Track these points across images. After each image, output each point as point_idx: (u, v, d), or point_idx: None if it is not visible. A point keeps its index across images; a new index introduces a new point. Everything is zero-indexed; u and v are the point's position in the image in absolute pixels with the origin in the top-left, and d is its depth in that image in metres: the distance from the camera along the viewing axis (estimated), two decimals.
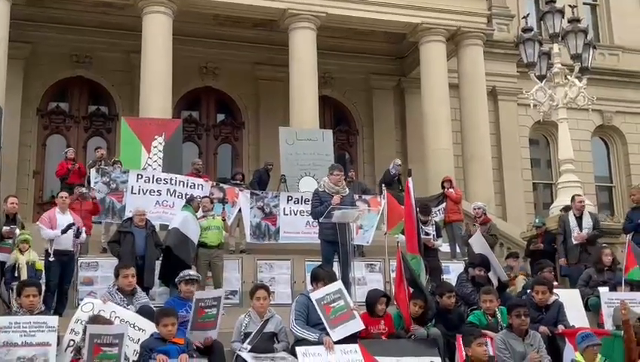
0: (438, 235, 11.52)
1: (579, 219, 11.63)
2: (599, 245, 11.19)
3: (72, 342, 6.88)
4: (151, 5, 16.81)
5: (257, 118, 20.63)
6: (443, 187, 15.16)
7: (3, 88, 15.69)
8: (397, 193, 14.30)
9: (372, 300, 7.73)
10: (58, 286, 10.07)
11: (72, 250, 10.27)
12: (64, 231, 10.08)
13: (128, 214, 12.02)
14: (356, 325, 7.34)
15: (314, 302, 7.35)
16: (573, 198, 12.24)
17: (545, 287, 8.34)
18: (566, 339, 7.71)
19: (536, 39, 14.61)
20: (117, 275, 7.97)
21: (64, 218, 10.31)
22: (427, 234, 11.01)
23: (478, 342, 6.65)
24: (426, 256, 10.48)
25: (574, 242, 11.40)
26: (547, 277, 9.41)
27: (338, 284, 7.70)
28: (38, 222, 10.28)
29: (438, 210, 14.83)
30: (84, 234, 10.53)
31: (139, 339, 6.74)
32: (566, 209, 13.34)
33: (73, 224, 10.20)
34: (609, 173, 24.14)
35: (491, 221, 12.38)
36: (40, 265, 9.69)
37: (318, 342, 7.07)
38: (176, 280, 8.19)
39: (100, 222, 13.11)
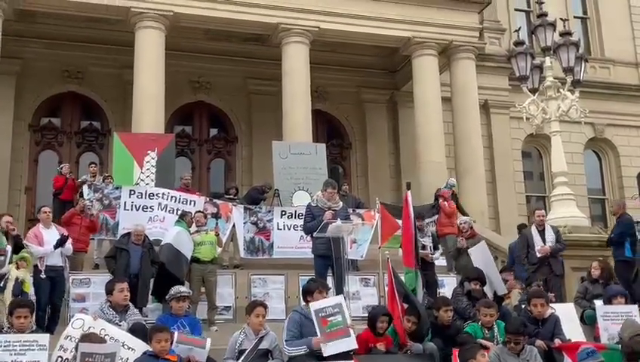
0: (435, 247, 11.50)
1: (541, 233, 11.72)
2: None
3: (59, 359, 6.78)
4: (143, 21, 16.82)
5: (250, 132, 20.60)
6: (436, 199, 15.13)
7: None
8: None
9: (373, 317, 7.66)
10: (50, 302, 9.99)
11: (61, 265, 10.18)
12: (56, 246, 10.00)
13: (122, 231, 11.94)
14: (350, 344, 7.23)
15: (312, 312, 7.26)
16: (533, 212, 12.39)
17: (543, 300, 8.34)
18: (564, 353, 7.68)
19: (528, 52, 14.66)
20: (110, 290, 7.88)
21: (49, 233, 10.23)
22: (424, 246, 11.00)
23: (482, 353, 6.65)
24: (423, 270, 10.46)
25: (538, 255, 11.47)
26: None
27: (339, 299, 7.63)
28: (25, 241, 10.15)
29: (432, 221, 14.79)
30: (69, 245, 10.43)
31: (127, 359, 6.65)
32: (521, 227, 13.58)
33: (66, 237, 10.12)
34: (602, 186, 24.19)
35: (478, 235, 12.31)
36: (28, 286, 9.56)
37: (310, 352, 6.99)
38: (166, 297, 8.11)
39: (93, 238, 13.03)
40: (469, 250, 10.99)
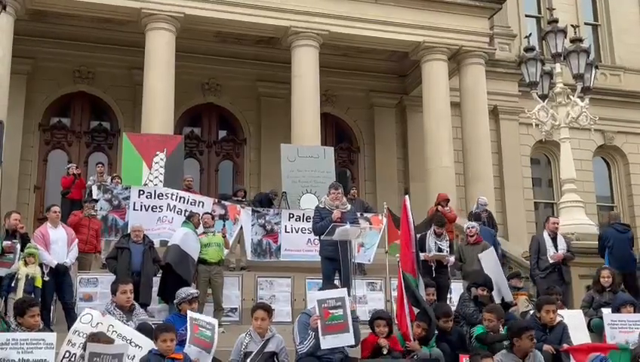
0: (451, 252, 11.46)
1: (553, 240, 11.75)
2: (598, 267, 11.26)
3: (67, 354, 6.80)
4: (154, 22, 16.87)
5: (259, 134, 20.63)
6: (439, 205, 15.06)
7: (5, 103, 15.70)
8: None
9: (370, 323, 7.72)
10: (62, 303, 10.03)
11: (66, 260, 10.18)
12: (57, 269, 10.00)
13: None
14: (348, 340, 7.19)
15: (315, 303, 7.26)
16: (547, 219, 12.42)
17: (555, 306, 8.32)
18: (571, 355, 7.65)
19: (539, 59, 14.64)
20: (114, 291, 7.90)
21: (56, 232, 10.28)
22: (440, 249, 10.98)
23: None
24: (437, 273, 10.46)
25: (550, 261, 11.51)
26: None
27: (343, 292, 7.58)
28: (32, 241, 10.20)
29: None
30: (75, 253, 10.47)
31: (134, 356, 6.65)
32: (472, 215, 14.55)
33: (66, 268, 10.16)
34: (610, 193, 24.11)
35: (483, 241, 12.25)
36: (40, 281, 9.63)
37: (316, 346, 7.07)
38: (175, 301, 8.11)
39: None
40: (479, 255, 10.93)
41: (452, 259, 11.36)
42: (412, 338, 7.80)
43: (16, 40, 16.26)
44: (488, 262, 10.19)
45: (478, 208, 15.48)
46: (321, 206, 9.92)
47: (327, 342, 7.07)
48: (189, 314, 7.28)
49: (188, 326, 7.01)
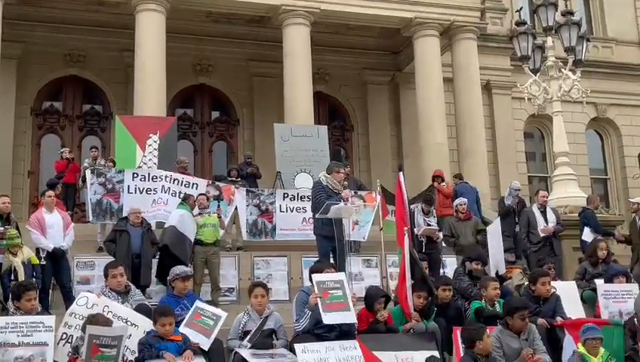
0: (439, 228, 11.56)
1: (543, 213, 11.88)
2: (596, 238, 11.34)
3: (64, 335, 6.88)
4: (144, 3, 16.73)
5: (252, 114, 20.59)
6: (433, 181, 15.10)
7: None
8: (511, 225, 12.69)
9: (371, 299, 7.72)
10: (60, 286, 10.07)
11: (63, 243, 10.20)
12: (54, 253, 10.01)
13: (126, 214, 12.01)
14: (350, 317, 7.29)
15: (314, 284, 7.32)
16: (537, 193, 12.64)
17: (549, 278, 8.44)
18: (565, 330, 7.75)
19: (530, 32, 14.66)
20: (106, 275, 7.95)
21: (52, 217, 10.25)
22: (429, 225, 11.05)
23: (487, 334, 6.73)
24: (428, 249, 10.55)
25: (542, 235, 11.66)
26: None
27: (341, 276, 7.70)
28: (27, 226, 10.18)
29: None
30: (72, 236, 10.49)
31: (131, 335, 6.70)
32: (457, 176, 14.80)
33: (63, 251, 10.15)
34: (604, 166, 24.19)
35: (473, 217, 12.26)
36: (35, 259, 9.64)
37: (315, 322, 7.14)
38: (169, 278, 8.17)
39: (88, 222, 13.11)
40: (486, 228, 11.04)
41: (441, 234, 11.50)
42: (412, 310, 7.87)
43: (5, 24, 16.16)
44: (493, 234, 10.30)
45: (510, 194, 13.35)
46: (324, 183, 9.84)
47: (329, 318, 7.12)
48: (198, 303, 7.33)
49: (190, 312, 7.08)
